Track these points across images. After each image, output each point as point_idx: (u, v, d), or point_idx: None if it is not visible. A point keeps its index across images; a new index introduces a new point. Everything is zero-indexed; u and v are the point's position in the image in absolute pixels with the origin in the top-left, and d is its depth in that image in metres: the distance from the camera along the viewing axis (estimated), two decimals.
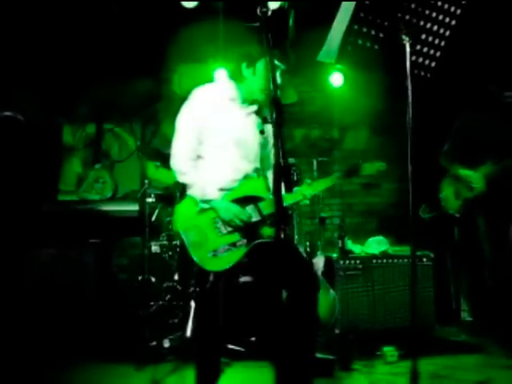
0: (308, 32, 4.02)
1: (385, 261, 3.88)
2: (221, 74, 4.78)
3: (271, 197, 2.45)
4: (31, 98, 4.56)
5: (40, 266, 4.11)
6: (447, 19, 2.24)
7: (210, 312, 2.54)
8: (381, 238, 4.10)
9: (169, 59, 5.08)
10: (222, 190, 2.49)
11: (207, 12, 4.41)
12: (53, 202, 4.84)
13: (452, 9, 2.23)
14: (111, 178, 5.16)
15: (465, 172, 3.74)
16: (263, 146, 2.61)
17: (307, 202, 2.57)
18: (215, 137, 2.50)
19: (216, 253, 2.41)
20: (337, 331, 3.71)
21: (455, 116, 3.96)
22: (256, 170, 2.59)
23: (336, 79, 5.11)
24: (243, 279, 3.61)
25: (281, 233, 1.77)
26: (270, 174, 2.62)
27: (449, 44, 2.30)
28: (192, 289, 3.75)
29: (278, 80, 2.48)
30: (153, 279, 4.16)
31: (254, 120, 2.56)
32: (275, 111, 1.80)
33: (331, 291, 3.76)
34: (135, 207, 4.60)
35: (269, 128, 2.31)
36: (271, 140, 2.43)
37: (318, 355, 3.11)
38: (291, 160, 4.25)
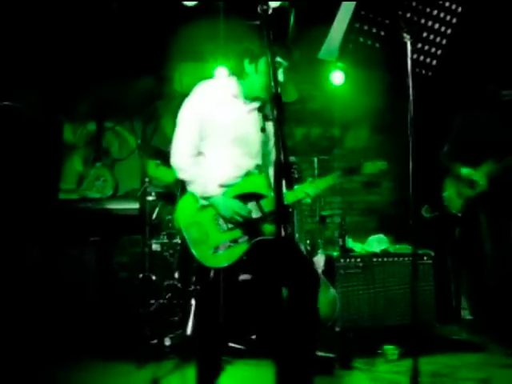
0: (309, 30, 4.02)
1: (385, 259, 3.88)
2: (221, 73, 4.79)
3: (273, 194, 2.45)
4: (32, 95, 4.56)
5: (38, 264, 4.12)
6: (448, 17, 2.24)
7: (211, 310, 2.54)
8: (381, 236, 4.10)
9: (169, 57, 5.08)
10: (222, 186, 2.48)
11: (208, 10, 4.40)
12: (53, 200, 4.84)
13: (453, 7, 2.23)
14: (112, 177, 5.16)
15: (466, 171, 3.74)
16: (265, 142, 2.60)
17: (309, 200, 2.56)
18: (217, 133, 2.50)
19: (217, 249, 2.40)
20: (337, 329, 3.71)
21: (455, 115, 3.96)
22: (257, 167, 2.58)
23: (337, 77, 5.11)
24: (243, 277, 3.61)
25: (281, 230, 1.77)
26: (271, 171, 2.62)
27: (450, 42, 2.30)
28: (192, 287, 3.75)
29: (280, 77, 2.47)
30: (153, 277, 4.16)
31: (255, 117, 2.55)
32: (276, 109, 1.80)
33: (332, 289, 3.77)
34: (136, 205, 4.60)
35: (270, 125, 2.31)
36: (272, 137, 2.43)
37: (319, 353, 3.10)
38: (292, 158, 4.25)
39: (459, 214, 3.81)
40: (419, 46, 2.26)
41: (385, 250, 3.94)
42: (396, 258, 3.88)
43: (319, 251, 4.06)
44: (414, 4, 2.16)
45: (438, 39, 2.27)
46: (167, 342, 3.52)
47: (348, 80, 5.09)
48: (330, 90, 5.24)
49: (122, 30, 4.64)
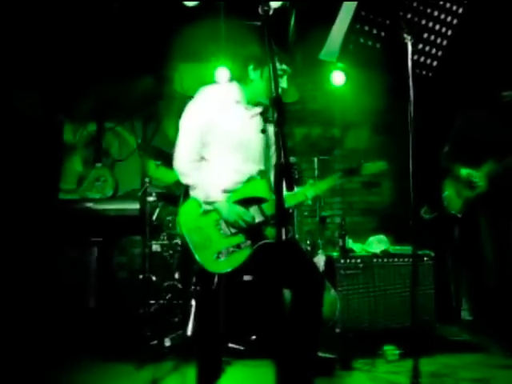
0: (310, 30, 4.02)
1: (385, 260, 3.87)
2: (222, 73, 4.79)
3: (274, 197, 2.45)
4: (32, 95, 4.56)
5: (38, 264, 4.12)
6: (449, 18, 2.24)
7: (212, 312, 2.54)
8: (381, 236, 4.09)
9: (170, 58, 5.08)
10: (225, 191, 2.48)
11: (209, 10, 4.40)
12: (53, 200, 4.84)
13: (454, 8, 2.23)
14: (112, 177, 5.16)
15: (466, 171, 3.73)
16: (267, 147, 2.60)
17: (310, 202, 2.57)
18: (219, 139, 2.49)
19: (220, 255, 2.40)
20: (337, 330, 3.71)
21: (455, 115, 3.96)
22: (260, 172, 2.58)
23: (337, 78, 5.10)
24: (244, 278, 3.60)
25: (282, 231, 1.77)
26: (272, 176, 2.62)
27: (450, 43, 2.30)
28: (193, 288, 3.75)
29: (285, 84, 2.47)
30: (153, 278, 4.16)
31: (258, 122, 2.55)
32: (277, 110, 1.80)
33: (332, 290, 3.76)
34: (136, 206, 4.60)
35: (271, 130, 2.31)
36: (274, 142, 2.43)
37: (319, 354, 3.10)
38: (292, 159, 4.25)
39: (459, 215, 3.81)
40: (420, 46, 2.26)
41: (385, 251, 3.94)
42: (396, 259, 3.88)
43: (319, 252, 4.06)
44: (414, 5, 2.16)
45: (438, 40, 2.27)
46: (167, 342, 3.52)
47: (348, 80, 5.09)
48: (330, 90, 5.24)
49: (122, 30, 4.63)
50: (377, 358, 3.41)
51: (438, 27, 2.23)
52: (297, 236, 4.01)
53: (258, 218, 2.46)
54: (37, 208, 4.40)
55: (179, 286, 3.94)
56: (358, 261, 3.84)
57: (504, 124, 3.68)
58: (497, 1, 4.09)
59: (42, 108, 4.73)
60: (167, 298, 3.92)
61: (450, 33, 2.25)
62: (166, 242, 4.13)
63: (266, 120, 2.49)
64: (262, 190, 2.51)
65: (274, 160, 2.53)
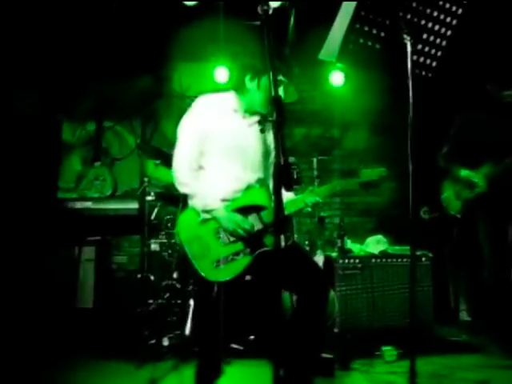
0: (309, 30, 4.01)
1: (384, 260, 3.88)
2: (221, 73, 4.79)
3: (273, 205, 2.44)
4: (31, 94, 4.56)
5: (38, 264, 4.12)
6: (448, 18, 2.24)
7: (212, 314, 2.54)
8: (380, 237, 4.09)
9: (169, 57, 5.08)
10: (223, 200, 2.47)
11: (208, 10, 4.40)
12: (52, 199, 4.84)
13: (453, 8, 2.23)
14: (111, 176, 5.16)
15: (465, 172, 3.73)
16: (265, 156, 2.59)
17: (309, 209, 2.55)
18: (217, 147, 2.49)
19: (219, 263, 2.39)
20: (336, 330, 3.71)
21: (455, 116, 3.95)
22: (259, 181, 2.57)
23: (337, 78, 5.11)
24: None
25: (281, 236, 1.76)
26: (271, 182, 2.61)
27: (450, 44, 2.30)
28: (191, 287, 3.75)
29: (281, 93, 2.45)
30: (152, 277, 4.16)
31: (256, 130, 2.55)
32: (276, 110, 1.79)
33: (330, 290, 3.77)
34: (135, 205, 4.60)
35: (270, 137, 2.30)
36: (273, 150, 2.43)
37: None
38: (291, 159, 4.24)
39: (458, 216, 3.81)
40: (419, 47, 2.26)
41: (383, 251, 3.94)
42: (395, 259, 3.88)
43: (318, 252, 4.06)
44: (414, 5, 2.16)
45: (438, 41, 2.27)
46: (165, 342, 3.52)
47: (348, 81, 5.09)
48: (329, 90, 5.24)
49: (121, 30, 4.63)
50: (375, 359, 3.42)
51: (437, 28, 2.23)
52: (295, 236, 4.01)
53: (258, 226, 2.44)
54: (35, 207, 4.40)
55: (177, 285, 3.93)
56: (357, 261, 3.84)
57: (503, 125, 3.68)
58: (496, 1, 4.09)
59: (41, 107, 4.72)
60: (165, 297, 3.92)
61: (449, 33, 2.25)
62: (164, 242, 4.13)
63: (265, 120, 2.49)
64: (260, 198, 2.50)
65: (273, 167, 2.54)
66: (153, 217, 4.22)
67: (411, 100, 2.16)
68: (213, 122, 2.47)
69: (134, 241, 5.20)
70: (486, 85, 3.76)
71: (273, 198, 2.39)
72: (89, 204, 4.62)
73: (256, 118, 2.54)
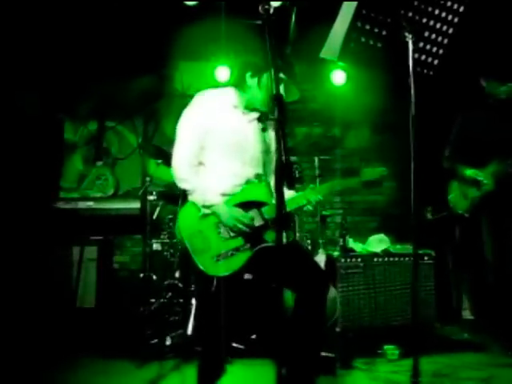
0: (310, 29, 4.01)
1: (386, 259, 3.87)
2: (222, 72, 4.79)
3: (274, 201, 2.44)
4: (32, 94, 4.56)
5: (39, 263, 4.12)
6: (450, 17, 2.24)
7: (213, 312, 2.54)
8: (382, 236, 4.09)
9: (171, 56, 5.08)
10: (223, 195, 2.46)
11: (209, 9, 4.40)
12: (54, 199, 4.84)
13: (455, 6, 2.22)
14: (113, 176, 5.16)
15: (471, 172, 3.72)
16: (265, 151, 2.59)
17: (310, 207, 2.55)
18: (216, 143, 2.48)
19: (219, 258, 2.39)
20: (338, 329, 3.70)
21: (456, 115, 3.94)
22: (257, 176, 2.56)
23: (338, 77, 5.10)
24: (244, 277, 3.60)
25: (283, 233, 1.76)
26: (272, 180, 2.61)
27: (451, 42, 2.29)
28: (193, 286, 3.75)
29: (282, 91, 2.45)
30: (154, 277, 4.16)
31: (255, 126, 2.55)
32: (277, 109, 1.79)
33: (332, 289, 3.76)
34: (136, 205, 4.60)
35: (271, 134, 2.31)
36: (273, 145, 2.43)
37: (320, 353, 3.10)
38: (293, 158, 4.24)
39: (466, 215, 3.79)
40: (421, 45, 2.25)
41: (386, 250, 3.93)
42: (397, 258, 3.87)
43: (320, 251, 4.05)
44: (415, 3, 2.16)
45: (439, 39, 2.27)
46: (168, 341, 3.52)
47: (349, 79, 5.09)
48: (331, 89, 5.24)
49: (123, 29, 4.64)
50: (377, 358, 3.41)
51: (439, 26, 2.23)
52: (297, 235, 4.01)
53: (258, 222, 2.45)
54: (38, 207, 4.41)
55: (180, 284, 3.94)
56: (359, 260, 3.83)
57: (504, 122, 3.67)
58: None
59: (42, 107, 4.73)
60: (168, 296, 3.92)
61: (451, 31, 2.25)
62: (166, 241, 4.13)
63: (266, 118, 2.49)
64: (260, 193, 2.50)
65: (273, 164, 2.54)
66: (155, 216, 4.22)
67: (413, 98, 2.16)
68: (213, 117, 2.47)
69: (135, 240, 5.21)
70: (480, 81, 3.75)
71: (273, 194, 2.41)
72: (91, 204, 4.62)
73: (256, 115, 2.54)
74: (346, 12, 2.12)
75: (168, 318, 3.78)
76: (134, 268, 5.12)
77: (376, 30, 2.16)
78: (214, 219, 2.44)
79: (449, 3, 2.20)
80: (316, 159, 4.38)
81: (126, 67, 4.96)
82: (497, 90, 3.67)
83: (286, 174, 1.75)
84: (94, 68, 4.93)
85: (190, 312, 3.56)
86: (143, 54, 4.89)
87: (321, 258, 3.95)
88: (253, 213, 2.45)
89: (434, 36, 2.25)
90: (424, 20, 2.21)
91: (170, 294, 3.93)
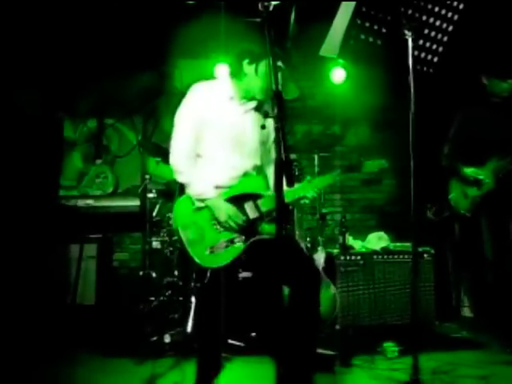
0: (310, 27, 4.01)
1: (385, 257, 3.87)
2: (222, 69, 4.77)
3: (270, 193, 2.44)
4: (32, 92, 4.55)
5: (39, 261, 4.12)
6: (450, 14, 2.23)
7: (211, 308, 2.54)
8: (381, 233, 4.09)
9: (170, 54, 5.07)
10: (219, 187, 2.47)
11: (209, 7, 4.40)
12: (54, 197, 4.84)
13: (454, 4, 2.22)
14: (112, 174, 5.16)
15: (471, 170, 3.71)
16: (263, 142, 2.59)
17: (307, 201, 2.55)
18: (213, 135, 2.48)
19: (213, 249, 2.40)
20: (337, 327, 3.71)
21: (455, 112, 3.94)
22: (255, 168, 2.57)
23: (338, 74, 5.09)
24: (243, 275, 3.61)
25: (282, 228, 1.76)
26: (269, 171, 2.61)
27: (451, 39, 2.29)
28: (192, 284, 3.75)
29: (279, 79, 2.45)
30: (153, 274, 4.17)
31: (252, 117, 2.54)
32: (277, 106, 1.79)
33: (332, 287, 3.76)
34: (136, 202, 4.60)
35: (270, 123, 2.30)
36: (272, 136, 2.42)
37: (319, 351, 3.10)
38: (293, 155, 4.24)
39: (468, 215, 3.78)
40: (420, 42, 2.25)
41: (385, 248, 3.94)
42: (396, 256, 3.88)
43: (319, 249, 4.06)
44: (415, 1, 2.15)
45: (439, 36, 2.27)
46: (167, 339, 3.52)
47: (349, 77, 5.08)
48: (330, 87, 5.23)
49: (122, 27, 4.63)
50: (377, 355, 3.42)
51: (438, 23, 2.23)
52: (297, 233, 4.01)
53: (253, 215, 2.45)
54: (37, 205, 4.40)
55: (179, 282, 3.94)
56: (358, 258, 3.84)
57: (504, 120, 3.67)
58: None
59: (41, 105, 4.72)
60: (167, 294, 3.92)
61: (450, 29, 2.24)
62: (166, 239, 4.13)
63: (265, 115, 2.48)
64: (257, 185, 2.50)
65: (271, 155, 2.54)
66: (154, 214, 4.22)
67: (412, 96, 2.16)
68: (209, 109, 2.47)
69: (135, 238, 5.21)
70: (481, 78, 3.74)
71: (270, 186, 2.41)
72: (90, 202, 4.63)
73: (253, 104, 2.54)
74: (346, 9, 2.12)
75: (167, 316, 3.78)
76: (134, 266, 5.12)
77: (376, 28, 2.15)
78: (207, 212, 2.44)
79: (448, 1, 2.19)
80: (316, 157, 4.38)
81: (125, 65, 4.96)
82: (499, 88, 3.66)
83: (285, 172, 1.75)
84: (94, 66, 4.92)
85: (190, 310, 3.57)
86: (143, 51, 4.88)
87: (320, 256, 3.96)
88: (248, 205, 2.46)
89: (433, 33, 2.25)
90: (424, 17, 2.21)
91: (169, 291, 3.93)
